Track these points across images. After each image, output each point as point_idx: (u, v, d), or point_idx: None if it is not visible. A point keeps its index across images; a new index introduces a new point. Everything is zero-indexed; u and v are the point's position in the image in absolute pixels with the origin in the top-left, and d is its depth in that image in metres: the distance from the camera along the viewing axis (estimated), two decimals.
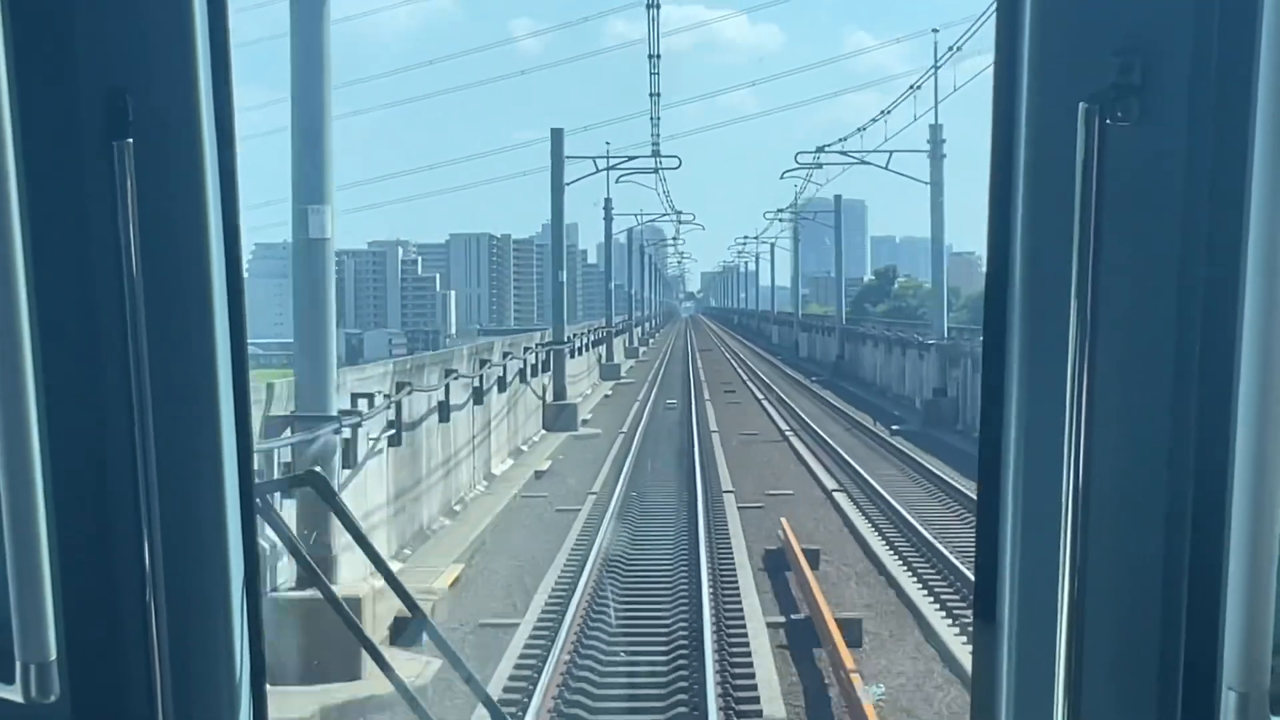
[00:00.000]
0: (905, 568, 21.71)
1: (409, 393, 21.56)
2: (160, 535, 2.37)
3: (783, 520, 24.11)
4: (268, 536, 9.59)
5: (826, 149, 52.93)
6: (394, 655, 16.64)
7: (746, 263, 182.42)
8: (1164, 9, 2.20)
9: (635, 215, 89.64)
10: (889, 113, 47.28)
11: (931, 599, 19.50)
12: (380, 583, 16.34)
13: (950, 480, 29.41)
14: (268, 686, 2.61)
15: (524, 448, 37.22)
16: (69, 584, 2.25)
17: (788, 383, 64.24)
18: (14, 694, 2.05)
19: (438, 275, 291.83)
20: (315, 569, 3.79)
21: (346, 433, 17.28)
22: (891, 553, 22.84)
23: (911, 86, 44.89)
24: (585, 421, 45.05)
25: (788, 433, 41.39)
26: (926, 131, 47.98)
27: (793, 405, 50.05)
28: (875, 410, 48.46)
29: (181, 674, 2.42)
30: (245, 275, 2.47)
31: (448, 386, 25.25)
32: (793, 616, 18.03)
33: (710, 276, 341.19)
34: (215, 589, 2.46)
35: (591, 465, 34.15)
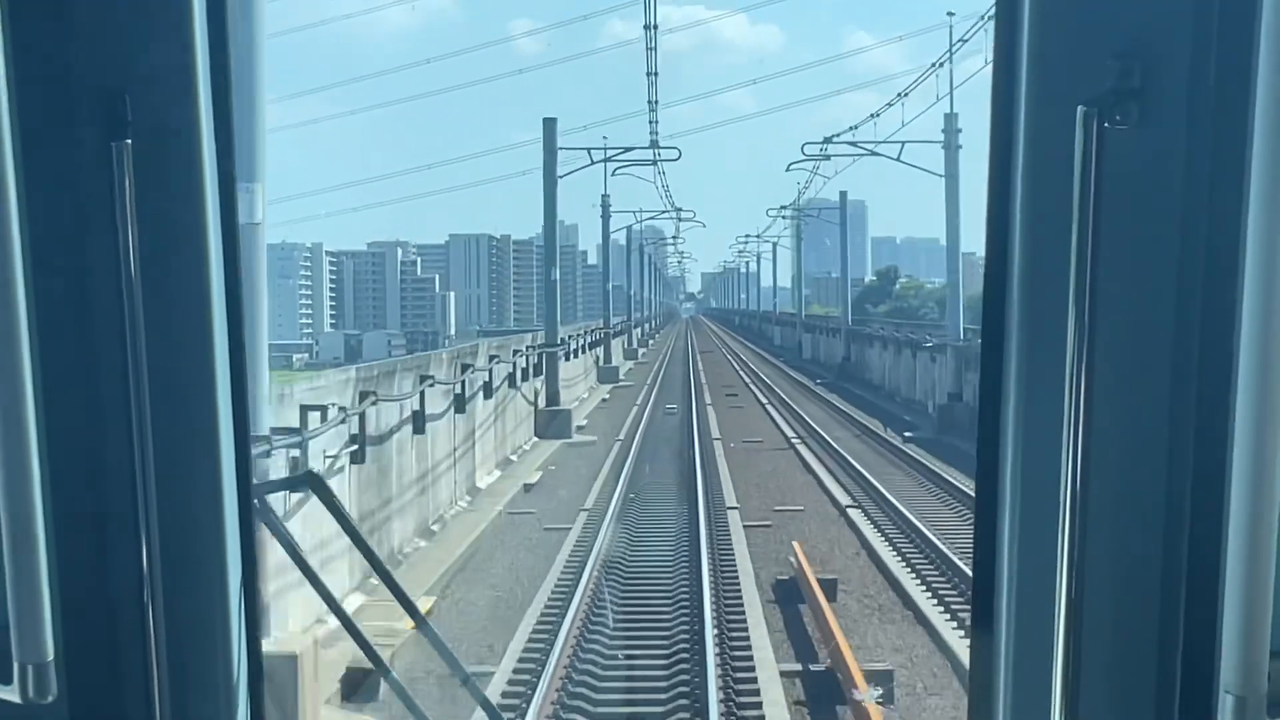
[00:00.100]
0: (934, 599, 19.23)
1: (373, 403, 19.10)
2: (158, 536, 2.38)
3: (795, 545, 21.64)
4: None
5: (835, 139, 50.23)
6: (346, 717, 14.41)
7: (748, 262, 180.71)
8: (1163, 13, 2.21)
9: (634, 213, 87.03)
10: (908, 93, 44.53)
11: (969, 640, 17.01)
12: (327, 627, 14.09)
13: (972, 494, 26.88)
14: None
15: (513, 457, 34.78)
16: (67, 584, 2.26)
17: (792, 385, 61.82)
18: (12, 694, 2.06)
19: (437, 276, 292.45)
20: (313, 570, 3.42)
21: (296, 452, 15.01)
22: (918, 581, 20.37)
23: (933, 64, 42.22)
24: (580, 428, 42.61)
25: (794, 440, 38.97)
26: (931, 127, 45.47)
27: (798, 409, 47.63)
28: (885, 415, 46.01)
29: (179, 675, 2.44)
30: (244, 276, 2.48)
31: (423, 394, 22.79)
32: (811, 667, 15.56)
33: (710, 277, 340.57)
34: (213, 590, 2.47)
35: (585, 477, 31.72)
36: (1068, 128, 2.17)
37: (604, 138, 49.96)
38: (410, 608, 3.63)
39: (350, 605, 18.72)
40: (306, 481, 3.43)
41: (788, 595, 19.39)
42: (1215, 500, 2.07)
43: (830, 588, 18.84)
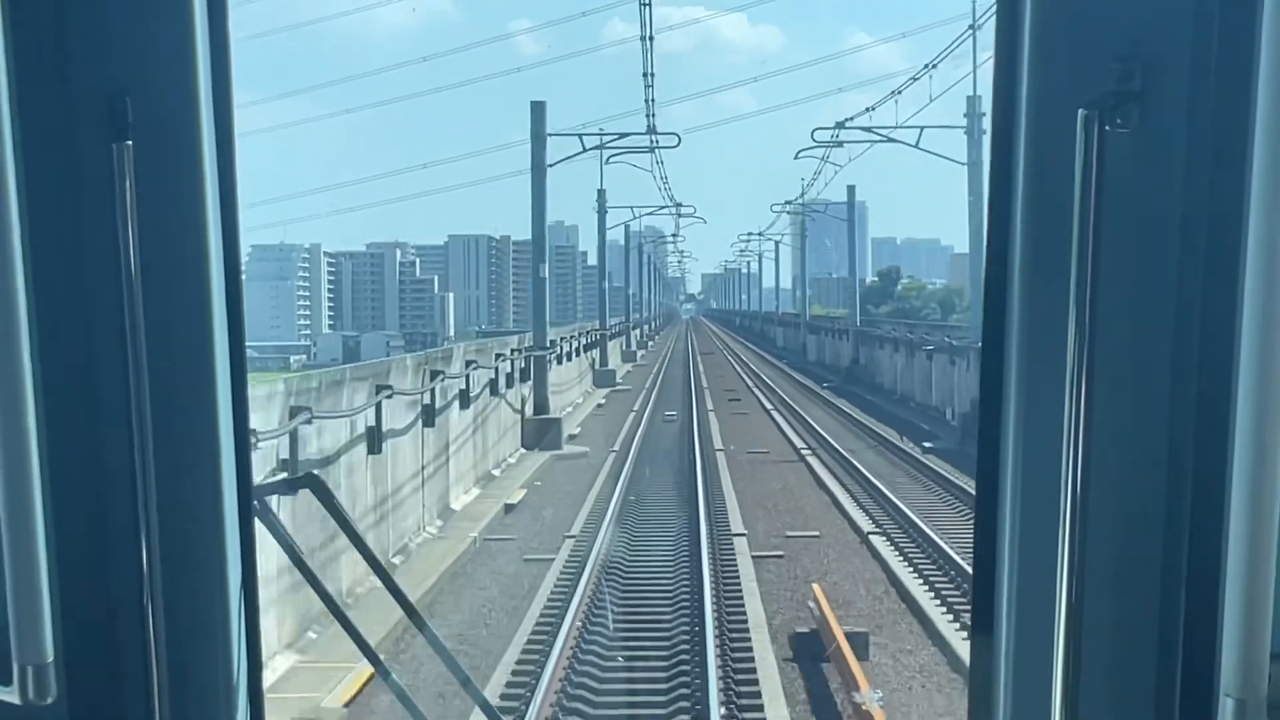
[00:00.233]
0: None
1: (307, 420, 15.82)
2: (158, 537, 2.38)
3: (815, 587, 18.33)
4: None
5: (848, 123, 46.56)
6: None
7: (749, 262, 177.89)
8: (1163, 16, 2.21)
9: (631, 208, 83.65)
10: (935, 65, 40.84)
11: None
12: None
13: None
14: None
15: (496, 472, 31.50)
16: (66, 586, 2.27)
17: (797, 390, 58.53)
18: (11, 696, 2.06)
19: (436, 277, 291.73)
20: (311, 571, 3.24)
21: None
22: (961, 630, 17.08)
23: (966, 30, 38.68)
24: (572, 437, 39.35)
25: (804, 450, 35.72)
26: (953, 110, 41.99)
27: (805, 416, 44.37)
28: (900, 423, 42.71)
29: (179, 676, 2.43)
30: (243, 277, 2.46)
31: (379, 407, 19.51)
32: None
33: (711, 278, 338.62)
34: (212, 591, 2.46)
35: (574, 495, 28.48)
36: (1068, 130, 2.17)
37: (600, 130, 46.15)
38: (411, 610, 3.45)
39: (279, 666, 15.46)
40: (307, 483, 3.10)
41: (808, 652, 16.11)
42: (1215, 502, 2.06)
43: (860, 643, 15.57)
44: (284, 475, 13.61)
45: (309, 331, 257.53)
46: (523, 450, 35.66)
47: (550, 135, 36.80)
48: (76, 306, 2.34)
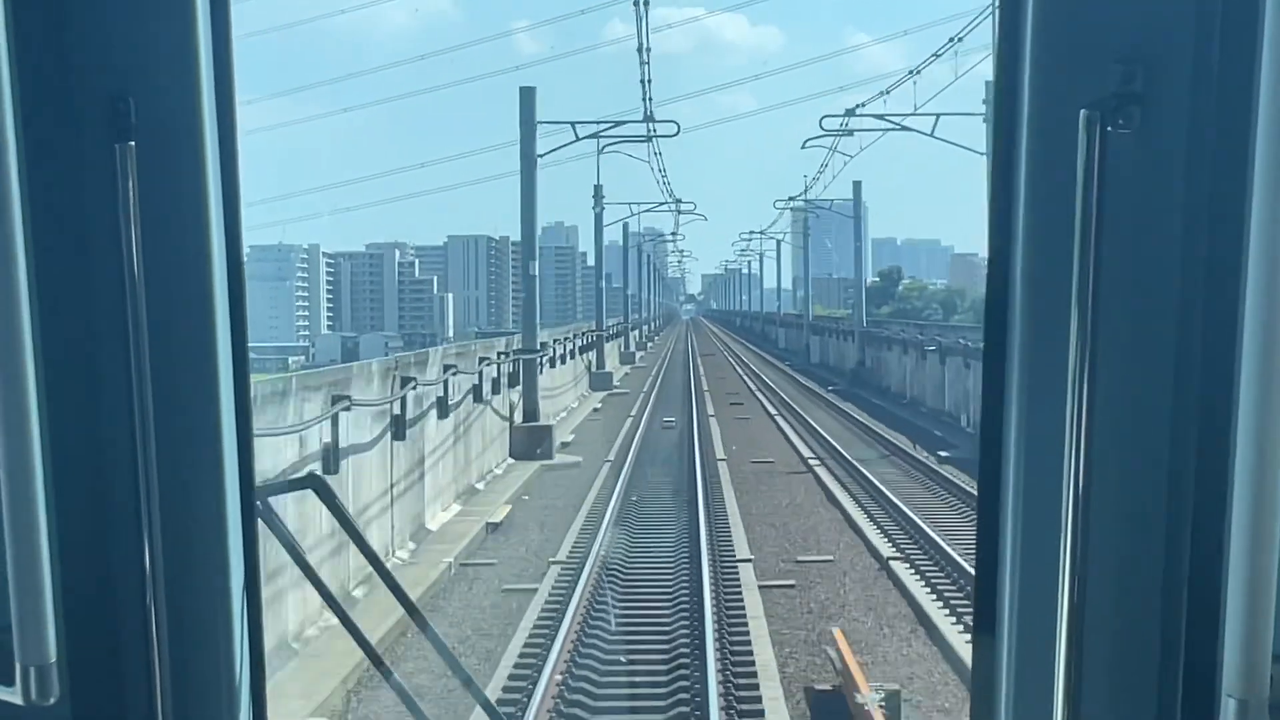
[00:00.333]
0: None
1: None
2: (160, 537, 2.38)
3: (835, 634, 15.88)
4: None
5: (859, 110, 43.86)
6: None
7: (750, 261, 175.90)
8: (1165, 17, 2.21)
9: (629, 205, 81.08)
10: (960, 38, 38.00)
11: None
12: None
13: None
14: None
15: (479, 485, 29.10)
16: (69, 586, 2.27)
17: (802, 394, 56.11)
18: (14, 696, 2.07)
19: (435, 278, 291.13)
20: (314, 571, 3.25)
21: None
22: None
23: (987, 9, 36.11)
24: (564, 445, 36.95)
25: (811, 460, 33.33)
26: (972, 98, 39.45)
27: (811, 422, 41.97)
28: (912, 430, 40.31)
29: (181, 676, 2.44)
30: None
31: (335, 421, 17.10)
32: None
33: (711, 279, 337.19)
34: (215, 591, 2.47)
35: (563, 512, 26.10)
36: (1070, 131, 2.18)
37: (597, 125, 43.32)
38: (411, 609, 3.37)
39: None
40: (310, 483, 3.08)
41: (830, 712, 13.70)
42: (1217, 503, 2.05)
43: (892, 705, 13.15)
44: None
45: (307, 332, 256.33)
46: (511, 460, 33.28)
47: (541, 123, 34.32)
48: (79, 307, 2.34)
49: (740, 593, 18.82)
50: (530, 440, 33.87)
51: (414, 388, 21.51)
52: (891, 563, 20.90)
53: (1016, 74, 2.26)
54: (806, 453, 35.01)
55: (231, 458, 2.45)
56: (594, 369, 58.73)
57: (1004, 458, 2.35)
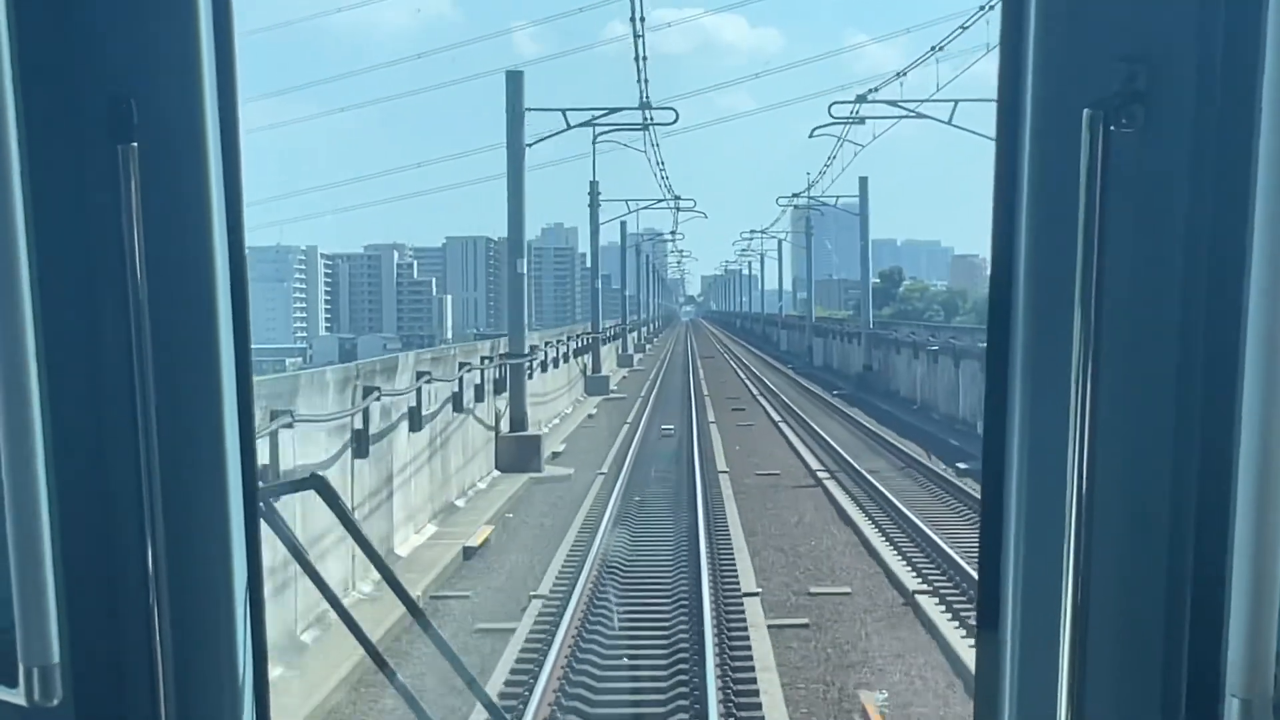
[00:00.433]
0: None
1: None
2: (164, 538, 2.38)
3: (862, 699, 13.44)
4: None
5: (870, 96, 41.19)
6: None
7: (751, 262, 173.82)
8: (1168, 16, 2.21)
9: (626, 202, 78.52)
10: (992, 5, 35.37)
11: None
12: None
13: None
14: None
15: (459, 503, 26.68)
16: (72, 587, 2.26)
17: (806, 399, 53.72)
18: (17, 697, 2.06)
19: (434, 279, 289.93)
20: (317, 572, 3.22)
21: None
22: None
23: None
24: (555, 456, 34.55)
25: (820, 474, 30.93)
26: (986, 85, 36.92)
27: (818, 430, 39.58)
28: (925, 438, 37.92)
29: (184, 678, 2.43)
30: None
31: (274, 438, 14.70)
32: None
33: (711, 280, 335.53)
34: (218, 593, 2.46)
35: (550, 534, 23.72)
36: (1073, 131, 2.18)
37: (593, 115, 40.78)
38: (413, 608, 3.38)
39: None
40: (312, 484, 3.05)
41: None
42: (1221, 503, 2.04)
43: None
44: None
45: (305, 334, 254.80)
46: (497, 473, 30.87)
47: (529, 110, 31.89)
48: (82, 308, 2.36)
49: (747, 633, 16.43)
50: (518, 451, 31.46)
51: (377, 398, 19.07)
52: (918, 596, 18.48)
53: (1020, 73, 2.27)
54: (814, 464, 32.65)
55: (234, 459, 2.45)
56: (589, 373, 56.33)
57: (1007, 457, 2.35)
